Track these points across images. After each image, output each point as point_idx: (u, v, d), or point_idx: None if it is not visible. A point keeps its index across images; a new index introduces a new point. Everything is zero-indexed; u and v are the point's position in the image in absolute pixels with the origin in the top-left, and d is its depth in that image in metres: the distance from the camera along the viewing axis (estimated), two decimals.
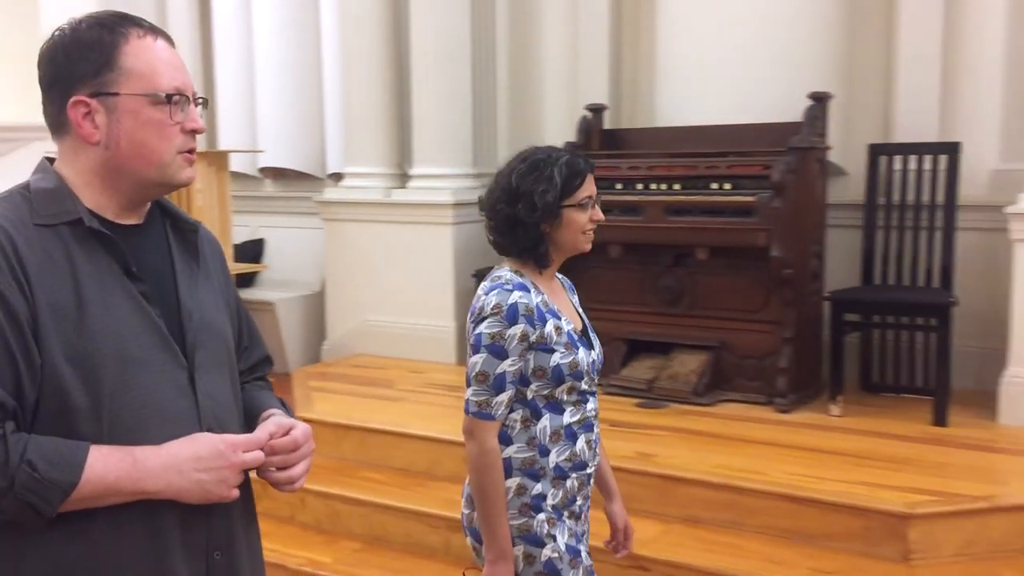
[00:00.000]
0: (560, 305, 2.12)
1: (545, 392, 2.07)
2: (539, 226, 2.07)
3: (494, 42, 5.67)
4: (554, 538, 2.07)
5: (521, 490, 2.07)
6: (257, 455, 1.39)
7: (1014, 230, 3.90)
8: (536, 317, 2.04)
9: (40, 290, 1.27)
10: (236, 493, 1.38)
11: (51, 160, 1.42)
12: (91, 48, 1.34)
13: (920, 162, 4.39)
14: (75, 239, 1.32)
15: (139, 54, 1.35)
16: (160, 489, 1.31)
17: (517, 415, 2.07)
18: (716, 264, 4.32)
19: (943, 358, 3.98)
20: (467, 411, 2.06)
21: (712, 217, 4.21)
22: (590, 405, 2.13)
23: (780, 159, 4.12)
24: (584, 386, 2.10)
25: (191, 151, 1.41)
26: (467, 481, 2.15)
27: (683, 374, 4.35)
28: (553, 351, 2.06)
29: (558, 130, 5.28)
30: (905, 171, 4.43)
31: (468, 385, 2.06)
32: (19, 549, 1.28)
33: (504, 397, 2.04)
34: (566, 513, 2.09)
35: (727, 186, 4.27)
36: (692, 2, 4.73)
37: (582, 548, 2.12)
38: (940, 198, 4.33)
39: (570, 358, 2.07)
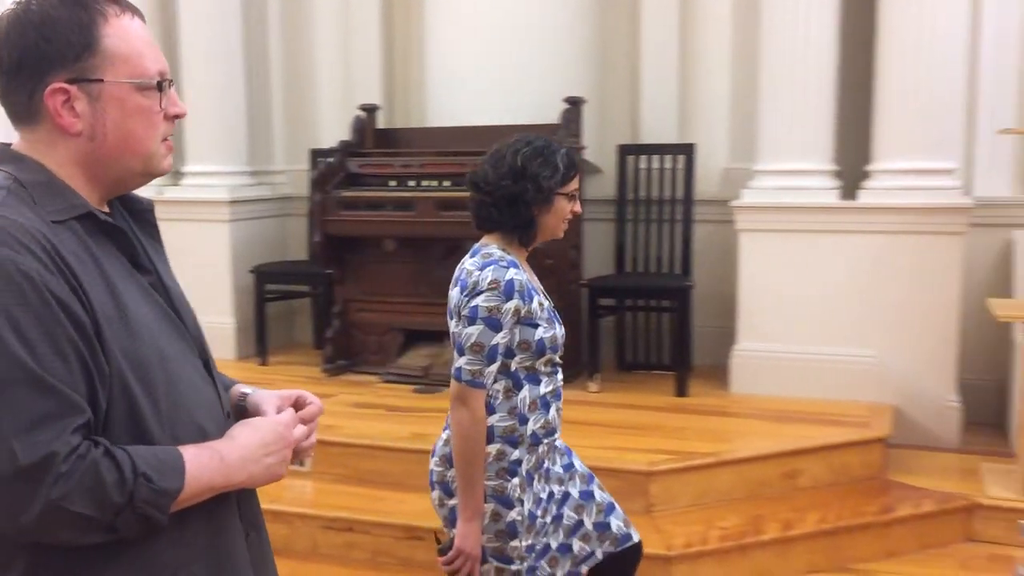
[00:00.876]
0: (535, 283, 2.30)
1: (527, 364, 2.23)
2: (532, 207, 2.23)
3: (267, 40, 5.73)
4: (522, 502, 2.25)
5: (500, 455, 2.23)
6: (301, 429, 1.38)
7: (739, 221, 4.45)
8: (526, 293, 2.20)
9: (91, 294, 1.18)
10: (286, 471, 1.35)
11: (6, 146, 1.28)
12: (68, 28, 1.21)
13: (662, 161, 4.89)
14: (88, 235, 1.23)
15: (121, 35, 1.24)
16: (243, 480, 1.28)
17: (500, 385, 2.22)
18: None
19: (683, 336, 4.49)
20: (459, 379, 2.18)
21: None
22: (559, 376, 2.33)
23: None
24: (557, 358, 2.30)
25: (168, 136, 1.31)
26: (442, 441, 2.32)
27: None
28: (537, 326, 2.22)
29: (333, 128, 5.42)
30: (650, 169, 4.92)
31: (460, 354, 2.18)
32: (95, 565, 1.20)
33: (494, 368, 2.18)
34: (536, 476, 2.28)
35: None
36: (459, 7, 5.00)
37: (553, 508, 2.32)
38: (680, 194, 4.85)
39: (551, 332, 2.25)
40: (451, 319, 2.27)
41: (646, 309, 4.89)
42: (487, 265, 2.20)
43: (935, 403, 4.21)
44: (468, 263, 2.26)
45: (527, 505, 2.26)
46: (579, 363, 4.81)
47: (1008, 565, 3.38)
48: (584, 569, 2.43)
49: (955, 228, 4.15)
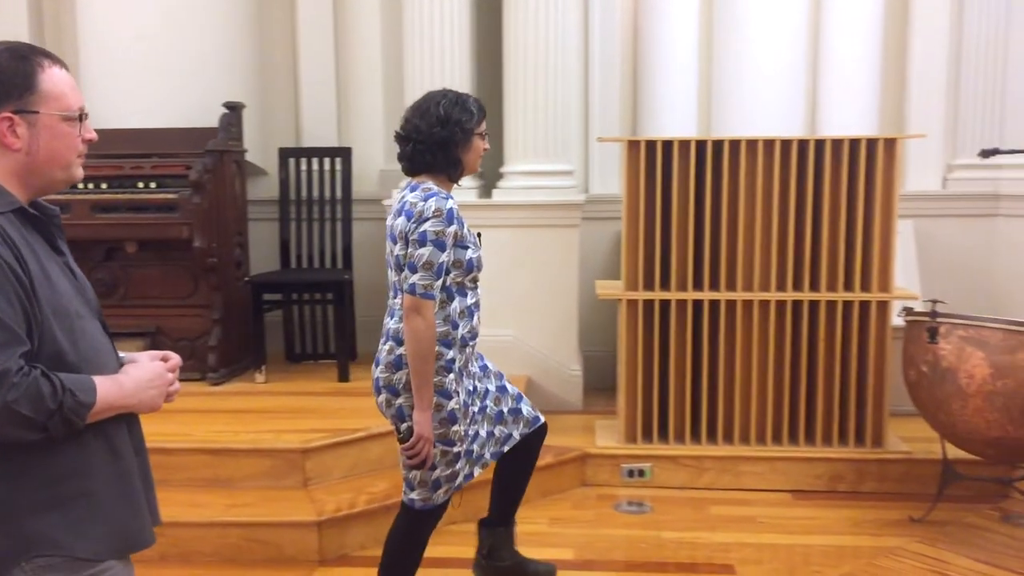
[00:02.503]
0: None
1: (458, 280, 2.69)
2: (458, 148, 2.66)
3: None
4: (458, 394, 2.72)
5: (439, 355, 2.66)
6: (171, 375, 1.81)
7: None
8: (461, 220, 2.65)
9: (28, 262, 1.59)
10: (162, 404, 1.79)
11: None
12: (15, 74, 1.64)
13: (321, 163, 5.22)
14: (21, 223, 1.64)
15: (52, 80, 1.67)
16: (134, 404, 1.72)
17: (438, 298, 2.63)
18: (146, 257, 4.72)
19: (342, 326, 4.84)
20: (413, 292, 2.58)
21: (139, 214, 4.60)
22: (479, 290, 2.80)
23: (198, 160, 4.64)
24: (479, 276, 2.76)
25: (83, 154, 1.74)
26: (384, 351, 2.70)
27: None
28: (468, 247, 2.68)
29: None
30: (310, 171, 5.23)
31: (413, 272, 2.58)
32: (32, 464, 1.61)
33: (440, 282, 2.61)
34: (465, 373, 2.77)
35: (152, 185, 4.68)
36: (111, 8, 4.99)
37: (478, 402, 2.85)
38: (339, 194, 5.20)
39: (477, 253, 2.72)
40: (395, 244, 2.68)
41: (311, 302, 5.19)
42: (429, 197, 2.61)
43: (562, 373, 4.88)
44: (410, 196, 2.66)
45: (461, 396, 2.75)
46: (248, 357, 5.02)
47: (612, 501, 4.07)
48: (506, 448, 3.00)
49: (572, 222, 4.83)
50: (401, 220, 2.65)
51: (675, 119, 5.20)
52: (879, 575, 3.37)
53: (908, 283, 4.78)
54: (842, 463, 4.14)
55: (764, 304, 4.14)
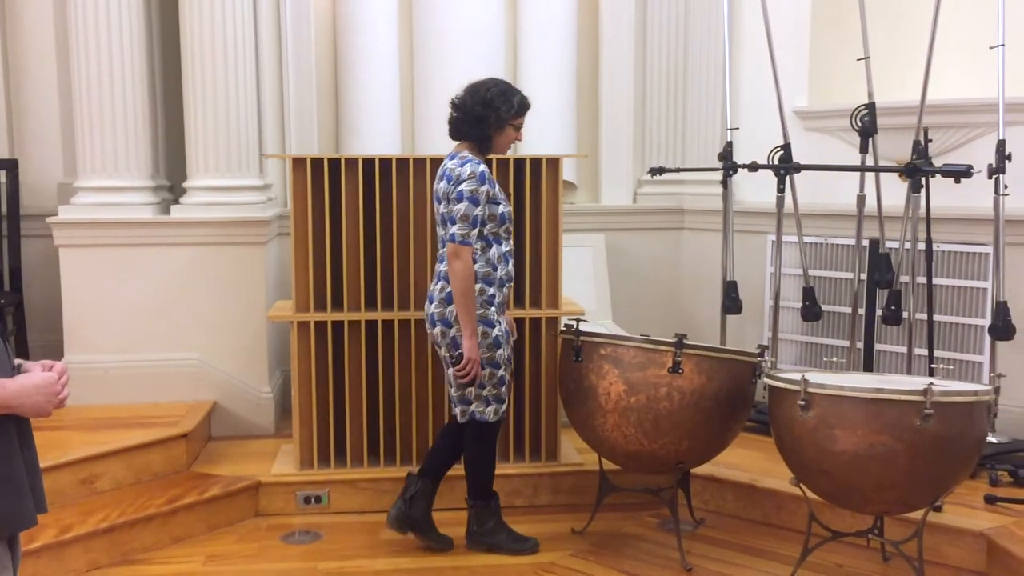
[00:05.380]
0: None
1: (494, 231, 3.35)
2: (490, 128, 3.31)
3: None
4: (500, 323, 3.40)
5: (482, 292, 3.35)
6: (64, 386, 1.94)
7: (57, 237, 4.52)
8: (492, 181, 3.30)
9: None
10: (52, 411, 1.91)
11: None
12: None
13: None
14: None
15: None
16: (17, 407, 1.85)
17: (478, 245, 3.31)
18: None
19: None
20: (453, 240, 3.24)
21: None
22: (511, 241, 3.45)
23: None
24: (511, 228, 3.43)
25: None
26: (437, 290, 3.38)
27: None
28: (499, 203, 3.34)
29: None
30: None
31: (453, 224, 3.25)
32: None
33: (475, 232, 3.27)
34: (503, 310, 3.43)
35: None
36: None
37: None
38: (4, 210, 4.79)
39: (508, 208, 3.39)
40: (439, 204, 3.35)
41: None
42: (466, 163, 3.29)
43: (252, 396, 4.69)
44: (449, 164, 3.33)
45: (503, 325, 3.41)
46: None
47: (283, 531, 3.92)
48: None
49: (259, 239, 4.65)
50: (443, 184, 3.31)
51: (378, 136, 5.13)
52: None
53: (599, 296, 4.91)
54: (519, 478, 4.17)
55: None
